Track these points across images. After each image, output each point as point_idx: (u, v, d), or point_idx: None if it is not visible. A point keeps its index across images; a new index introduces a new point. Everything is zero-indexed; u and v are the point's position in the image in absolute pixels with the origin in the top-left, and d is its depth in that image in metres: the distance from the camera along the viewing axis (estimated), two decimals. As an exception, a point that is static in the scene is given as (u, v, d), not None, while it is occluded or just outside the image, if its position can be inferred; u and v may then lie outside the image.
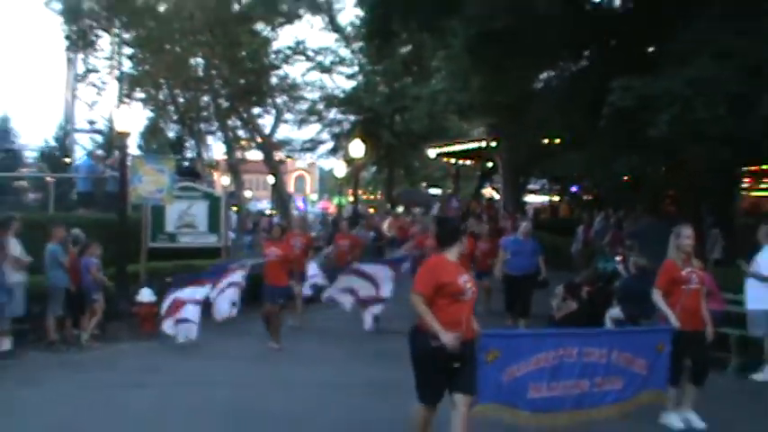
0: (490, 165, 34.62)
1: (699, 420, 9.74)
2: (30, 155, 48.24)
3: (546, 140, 23.11)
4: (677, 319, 9.64)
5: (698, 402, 9.94)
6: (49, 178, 25.14)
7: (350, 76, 42.71)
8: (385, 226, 23.07)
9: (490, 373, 8.00)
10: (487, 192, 38.37)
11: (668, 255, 10.30)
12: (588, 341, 8.79)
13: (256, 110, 39.12)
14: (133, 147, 29.58)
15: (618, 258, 17.37)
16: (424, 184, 50.65)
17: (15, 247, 15.04)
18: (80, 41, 33.60)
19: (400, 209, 36.19)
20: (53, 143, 44.23)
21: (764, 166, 23.55)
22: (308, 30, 45.02)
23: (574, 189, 32.24)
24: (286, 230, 18.44)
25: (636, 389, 8.92)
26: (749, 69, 14.06)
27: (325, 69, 40.29)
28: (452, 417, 7.74)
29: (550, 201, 40.11)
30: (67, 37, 33.69)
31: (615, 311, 15.37)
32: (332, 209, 61.56)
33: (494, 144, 28.86)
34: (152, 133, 42.60)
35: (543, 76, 22.95)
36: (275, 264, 15.79)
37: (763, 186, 25.00)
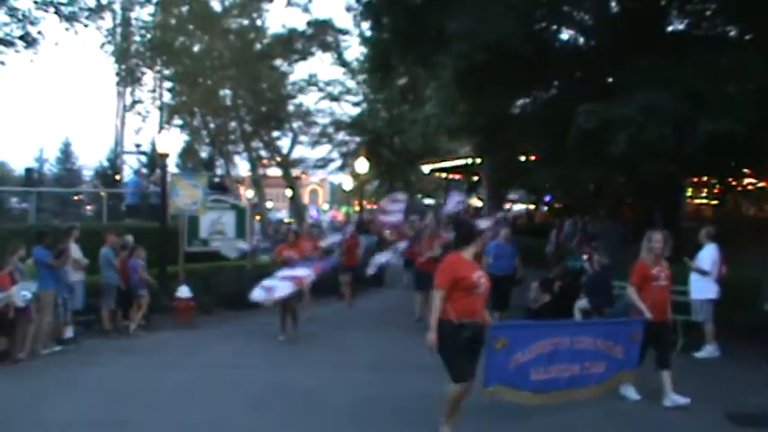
0: (475, 178, 34.65)
1: (682, 398, 9.83)
2: (87, 173, 48.41)
3: (523, 157, 23.16)
4: (649, 311, 9.80)
5: (651, 377, 10.07)
6: (102, 193, 25.23)
7: (355, 104, 42.80)
8: (387, 230, 22.99)
9: (499, 358, 8.20)
10: (473, 201, 38.40)
11: (641, 255, 10.41)
12: (578, 331, 9.17)
13: (276, 133, 39.25)
14: (172, 166, 29.74)
15: (585, 257, 17.38)
16: (420, 196, 50.61)
17: (76, 251, 15.24)
18: (128, 77, 33.73)
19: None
20: (106, 163, 44.24)
21: (704, 179, 23.71)
22: (320, 65, 45.74)
23: (547, 198, 32.29)
24: (299, 236, 18.31)
25: (614, 371, 9.30)
26: (688, 97, 14.23)
27: (334, 98, 40.40)
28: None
29: (527, 209, 40.18)
30: (117, 74, 33.84)
31: (582, 302, 15.48)
32: (340, 217, 61.55)
33: (478, 161, 28.94)
34: (188, 154, 42.69)
35: (519, 102, 23.03)
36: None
37: (702, 195, 25.15)
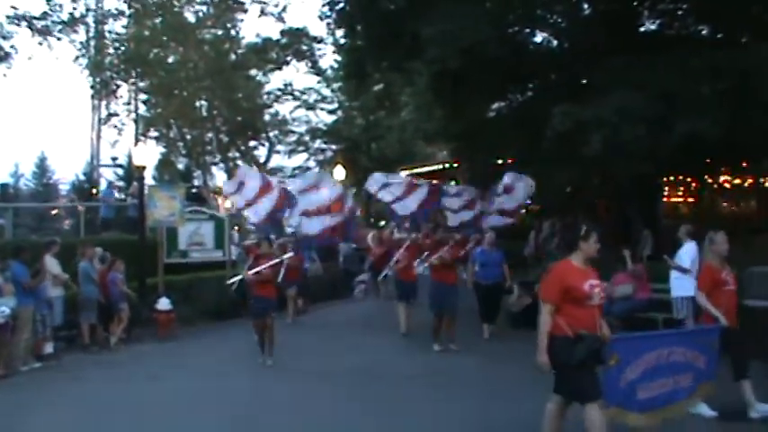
0: (454, 182, 34.70)
1: None
2: (63, 187, 48.13)
3: (500, 160, 23.18)
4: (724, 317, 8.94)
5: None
6: (79, 207, 25.07)
7: (331, 112, 42.78)
8: (369, 237, 22.81)
9: (614, 376, 7.43)
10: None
11: (706, 259, 9.83)
12: (674, 341, 8.36)
13: (252, 143, 39.16)
14: (149, 178, 29.51)
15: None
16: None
17: (54, 266, 15.13)
18: (103, 90, 33.63)
19: (382, 222, 35.99)
20: (82, 177, 44.04)
21: (680, 177, 23.81)
22: (295, 73, 45.82)
23: (527, 202, 32.36)
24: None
25: (698, 382, 8.44)
26: (661, 97, 14.29)
27: (310, 107, 40.39)
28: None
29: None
30: (92, 87, 33.70)
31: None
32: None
33: (455, 165, 28.95)
34: (165, 166, 42.53)
35: (494, 105, 23.07)
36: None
37: (679, 193, 25.23)
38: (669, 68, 14.75)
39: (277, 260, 14.21)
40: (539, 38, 21.17)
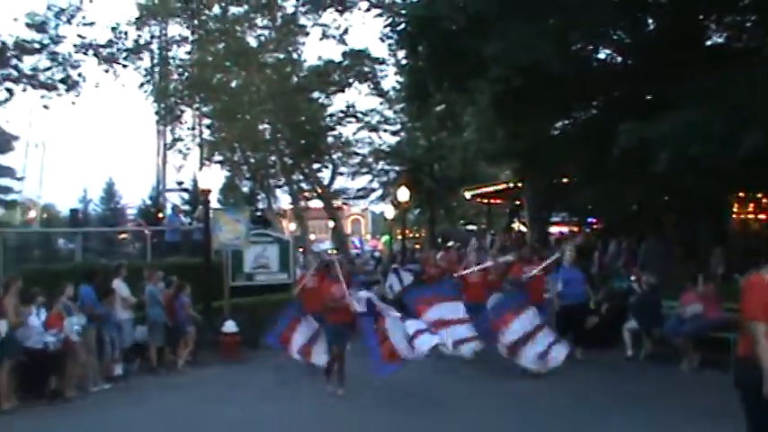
0: (517, 202, 34.48)
1: None
2: (130, 212, 48.92)
3: (564, 179, 23.01)
4: None
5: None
6: (146, 231, 25.47)
7: (394, 133, 42.74)
8: (438, 257, 22.45)
9: None
10: (516, 226, 38.13)
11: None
12: None
13: (316, 165, 39.36)
14: (214, 201, 29.90)
15: (632, 278, 17.07)
16: (462, 222, 50.33)
17: (123, 289, 15.43)
18: (167, 116, 34.16)
19: (450, 243, 35.83)
20: (148, 201, 44.75)
21: (750, 192, 23.39)
22: (357, 95, 46.46)
23: (590, 220, 32.00)
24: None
25: None
26: (730, 112, 14.09)
27: (373, 128, 40.41)
28: None
29: (570, 230, 39.83)
30: (157, 112, 34.30)
31: (631, 323, 15.34)
32: (380, 246, 61.56)
33: (519, 185, 28.80)
34: (229, 189, 42.93)
35: (558, 124, 22.95)
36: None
37: (749, 210, 24.75)
38: (737, 82, 14.54)
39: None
40: (602, 54, 21.05)
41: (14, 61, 17.85)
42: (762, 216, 24.73)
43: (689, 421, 10.11)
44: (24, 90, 18.77)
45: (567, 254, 15.86)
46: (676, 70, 16.08)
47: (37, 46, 18.25)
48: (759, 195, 24.05)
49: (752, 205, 24.65)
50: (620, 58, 20.94)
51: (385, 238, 52.06)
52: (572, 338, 14.85)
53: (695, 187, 15.97)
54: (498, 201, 37.79)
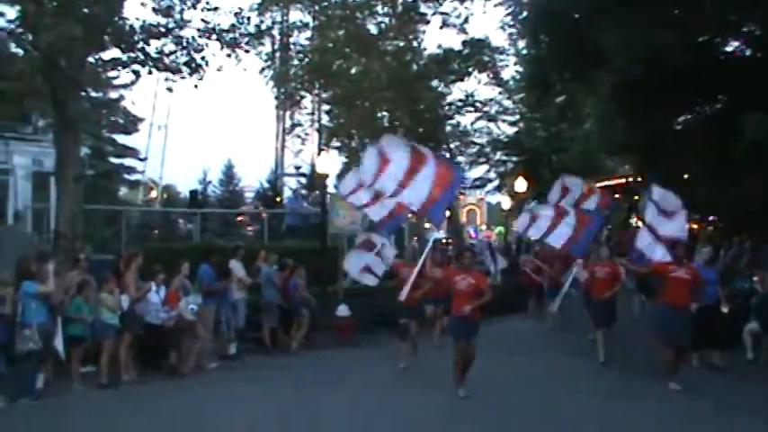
0: (636, 198, 33.82)
1: None
2: (248, 194, 49.78)
3: (685, 174, 22.45)
4: None
5: None
6: (263, 213, 25.90)
7: (512, 123, 42.41)
8: None
9: None
10: (634, 222, 37.41)
11: None
12: None
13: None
14: (331, 187, 30.22)
15: (755, 278, 16.47)
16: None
17: (239, 270, 15.74)
18: (287, 101, 34.61)
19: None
20: (266, 185, 45.43)
21: None
22: (476, 84, 46.31)
23: (711, 218, 31.16)
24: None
25: None
26: None
27: (492, 118, 40.11)
28: None
29: (690, 227, 38.81)
30: (277, 97, 34.79)
31: (753, 325, 14.90)
32: (493, 237, 61.24)
33: (639, 179, 28.23)
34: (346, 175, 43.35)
35: (681, 117, 22.42)
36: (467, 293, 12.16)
37: None
38: None
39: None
40: (730, 47, 20.44)
41: (141, 44, 18.33)
42: None
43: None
44: (150, 73, 19.25)
45: (703, 252, 15.03)
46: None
47: (162, 30, 18.68)
48: None
49: None
50: (749, 51, 20.30)
51: (498, 229, 51.71)
52: (708, 342, 14.21)
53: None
54: (617, 196, 37.17)
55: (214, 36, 19.81)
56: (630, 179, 29.60)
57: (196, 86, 20.16)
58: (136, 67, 18.90)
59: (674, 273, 12.74)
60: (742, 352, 14.80)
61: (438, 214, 13.45)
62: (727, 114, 18.76)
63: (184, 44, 19.45)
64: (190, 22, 19.32)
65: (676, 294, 12.60)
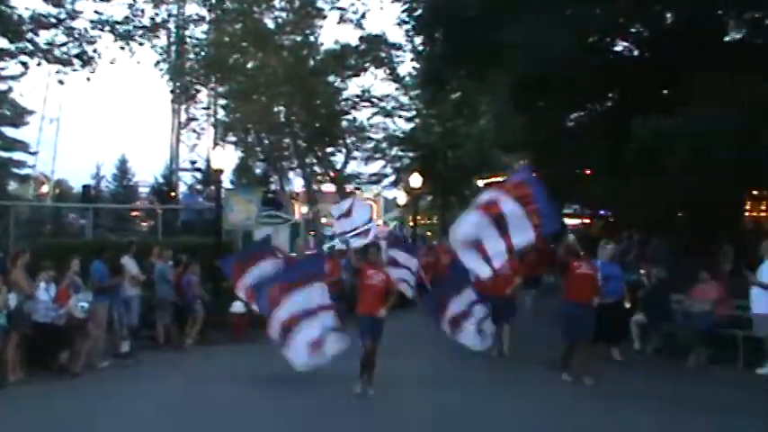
0: (531, 193, 34.34)
1: None
2: (143, 190, 49.03)
3: (577, 171, 22.91)
4: None
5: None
6: (158, 209, 25.56)
7: (409, 119, 42.63)
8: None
9: None
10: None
11: None
12: None
13: (329, 149, 39.34)
14: (227, 182, 29.98)
15: (642, 271, 16.89)
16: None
17: (132, 267, 15.47)
18: (182, 95, 34.18)
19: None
20: (161, 180, 44.83)
21: (764, 191, 23.29)
22: (373, 80, 46.31)
23: (602, 212, 31.87)
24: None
25: None
26: (748, 108, 14.01)
27: (388, 113, 40.30)
28: None
29: (582, 222, 39.62)
30: (172, 91, 34.30)
31: (639, 317, 15.30)
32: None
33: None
34: (242, 170, 43.08)
35: (574, 115, 22.84)
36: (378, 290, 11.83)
37: (762, 208, 24.65)
38: (755, 79, 14.46)
39: None
40: (620, 47, 20.94)
41: (30, 35, 17.84)
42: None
43: (694, 417, 10.10)
44: (39, 64, 18.80)
45: (608, 249, 14.95)
46: (694, 65, 15.97)
47: (53, 20, 18.24)
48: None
49: (765, 203, 24.55)
50: (637, 52, 20.83)
51: (393, 223, 51.93)
52: (609, 338, 14.37)
53: (709, 183, 15.88)
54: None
55: (107, 28, 19.45)
56: (525, 175, 30.04)
57: (89, 79, 19.79)
58: (24, 58, 18.40)
59: (578, 269, 12.88)
60: (630, 342, 15.26)
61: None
62: (618, 113, 19.19)
63: (76, 36, 19.05)
64: (82, 13, 18.91)
65: (581, 290, 12.65)
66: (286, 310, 11.92)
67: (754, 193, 23.42)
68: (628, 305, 15.29)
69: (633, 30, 19.90)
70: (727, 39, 19.13)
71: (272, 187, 41.05)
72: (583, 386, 12.13)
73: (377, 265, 12.29)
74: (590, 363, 12.60)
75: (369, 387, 11.62)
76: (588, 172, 22.18)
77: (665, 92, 18.45)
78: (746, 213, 23.76)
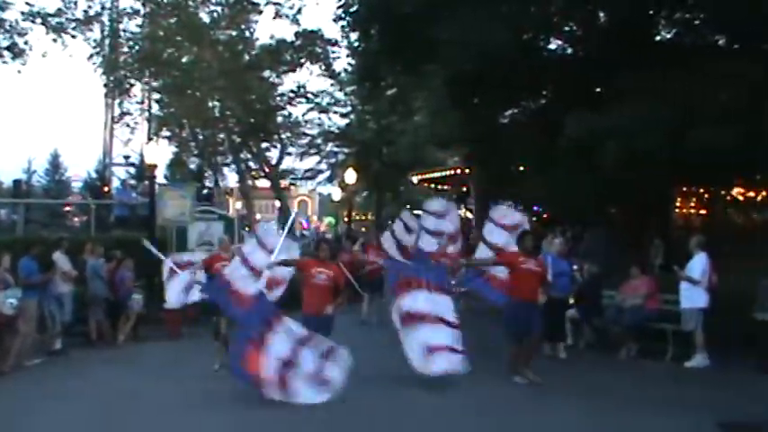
0: (464, 189, 34.53)
1: None
2: (75, 184, 48.24)
3: (512, 167, 23.07)
4: None
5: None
6: (91, 204, 25.14)
7: (344, 115, 42.63)
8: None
9: None
10: (462, 212, 38.22)
11: None
12: None
13: (264, 144, 39.08)
14: (160, 177, 29.60)
15: (575, 267, 16.97)
16: (408, 206, 50.32)
17: (64, 263, 15.20)
18: (116, 89, 33.65)
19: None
20: (94, 174, 44.12)
21: (693, 188, 23.76)
22: (308, 76, 46.20)
23: (535, 208, 32.17)
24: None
25: None
26: (678, 107, 14.23)
27: (323, 109, 40.20)
28: None
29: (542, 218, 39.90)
30: (105, 85, 33.75)
31: (572, 312, 15.43)
32: (322, 228, 61.59)
33: (467, 171, 28.84)
34: (176, 165, 42.68)
35: (509, 112, 22.99)
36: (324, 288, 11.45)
37: (692, 204, 25.17)
38: (685, 78, 14.69)
39: None
40: (554, 45, 21.14)
41: (-43, 25, 17.43)
42: (703, 211, 25.15)
43: (625, 409, 10.22)
44: (-34, 55, 18.32)
45: (556, 243, 14.97)
46: (626, 64, 16.17)
47: (-19, 11, 17.82)
48: (701, 191, 24.44)
49: (694, 200, 25.04)
50: (570, 50, 21.04)
51: (328, 219, 52.13)
52: (551, 335, 14.07)
53: (640, 179, 16.11)
54: (445, 186, 37.86)
55: (39, 20, 19.06)
56: (459, 171, 30.19)
57: (19, 72, 19.37)
58: (-49, 49, 17.94)
59: (524, 264, 12.00)
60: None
61: None
62: (551, 110, 19.39)
63: (7, 27, 18.63)
64: (13, 4, 18.46)
65: (528, 288, 11.90)
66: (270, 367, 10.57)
67: (684, 189, 23.89)
68: (571, 301, 15.25)
69: (567, 28, 20.11)
70: (658, 39, 19.46)
71: (207, 183, 40.73)
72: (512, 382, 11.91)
73: (324, 261, 11.71)
74: (531, 360, 12.20)
75: None
76: (522, 168, 22.35)
77: (598, 90, 18.65)
78: (676, 210, 24.22)
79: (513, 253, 12.46)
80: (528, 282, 11.96)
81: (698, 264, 13.63)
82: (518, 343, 11.99)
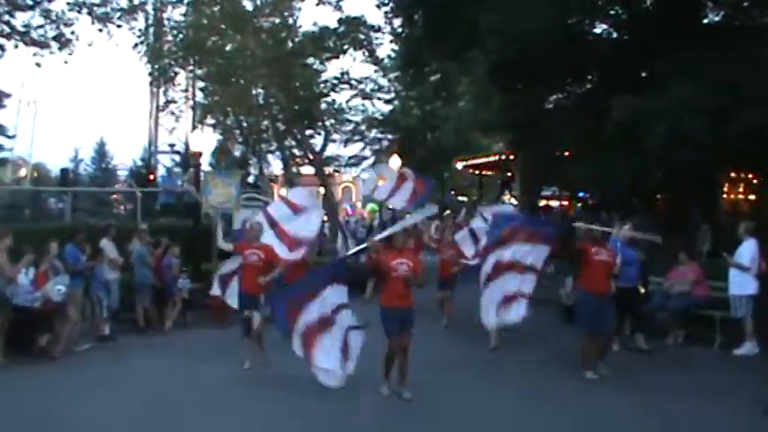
0: (509, 174, 34.40)
1: None
2: (121, 173, 48.72)
3: (557, 152, 22.93)
4: None
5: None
6: (137, 192, 25.37)
7: (388, 101, 42.58)
8: (432, 229, 21.38)
9: None
10: (507, 198, 38.02)
11: None
12: None
13: (308, 131, 39.14)
14: (205, 164, 29.78)
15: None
16: (453, 192, 50.21)
17: (111, 250, 15.34)
18: (161, 77, 33.90)
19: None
20: (140, 163, 44.52)
21: (741, 173, 23.43)
22: (352, 62, 46.45)
23: (581, 195, 31.92)
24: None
25: None
26: (725, 89, 14.03)
27: (367, 96, 40.11)
28: None
29: (561, 205, 39.70)
30: (150, 74, 34.02)
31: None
32: (365, 214, 61.62)
33: (511, 157, 28.70)
34: (221, 153, 42.90)
35: (553, 97, 22.85)
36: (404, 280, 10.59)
37: (740, 190, 24.81)
38: (732, 60, 14.48)
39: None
40: (598, 29, 20.96)
41: (6, 17, 17.61)
42: (751, 197, 24.77)
43: (673, 397, 10.13)
44: (16, 47, 18.55)
45: (625, 230, 13.51)
46: (672, 46, 15.98)
47: (29, 2, 18.01)
48: (750, 176, 24.08)
49: (742, 186, 24.68)
50: (615, 34, 20.84)
51: (371, 206, 51.92)
52: (630, 325, 14.08)
53: (685, 165, 15.92)
54: (490, 172, 37.73)
55: (84, 10, 19.22)
56: (504, 156, 30.08)
57: (66, 62, 19.55)
58: (1, 40, 18.16)
59: (597, 256, 11.72)
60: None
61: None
62: (596, 95, 19.22)
63: (53, 18, 18.80)
64: (59, -5, 18.65)
65: (600, 280, 11.70)
66: (302, 323, 10.45)
67: (732, 175, 23.56)
68: (643, 290, 14.68)
69: (612, 12, 19.91)
70: (705, 21, 19.21)
71: (252, 170, 40.92)
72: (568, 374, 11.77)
73: (402, 251, 10.91)
74: (604, 355, 12.00)
75: (402, 389, 10.57)
76: (567, 153, 22.21)
77: (644, 74, 18.45)
78: (724, 196, 23.91)
79: (585, 245, 12.07)
80: (600, 273, 11.73)
81: (747, 250, 13.44)
82: (591, 337, 11.75)
